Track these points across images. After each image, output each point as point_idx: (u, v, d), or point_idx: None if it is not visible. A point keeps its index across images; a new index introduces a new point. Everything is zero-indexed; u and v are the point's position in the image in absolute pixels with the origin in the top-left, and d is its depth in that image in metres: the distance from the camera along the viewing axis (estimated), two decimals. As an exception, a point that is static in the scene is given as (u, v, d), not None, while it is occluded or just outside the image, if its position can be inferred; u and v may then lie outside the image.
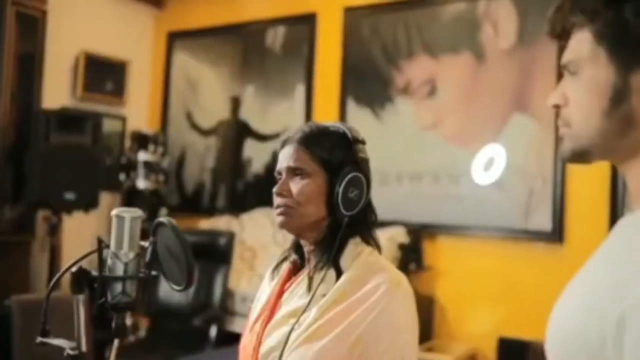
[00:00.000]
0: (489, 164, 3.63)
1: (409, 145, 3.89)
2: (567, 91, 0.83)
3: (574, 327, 0.73)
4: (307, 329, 1.24)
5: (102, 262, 0.96)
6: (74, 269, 0.97)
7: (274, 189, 1.35)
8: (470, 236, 3.71)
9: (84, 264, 1.01)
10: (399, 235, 3.66)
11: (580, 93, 0.81)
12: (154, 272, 1.01)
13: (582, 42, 0.81)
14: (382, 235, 3.40)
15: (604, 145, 0.79)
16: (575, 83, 0.82)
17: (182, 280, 1.02)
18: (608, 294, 0.69)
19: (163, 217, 1.02)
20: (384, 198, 3.82)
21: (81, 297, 0.95)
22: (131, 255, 0.98)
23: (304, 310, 1.26)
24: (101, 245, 0.96)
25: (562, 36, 0.85)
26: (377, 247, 1.38)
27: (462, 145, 3.73)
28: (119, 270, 0.97)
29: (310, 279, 1.32)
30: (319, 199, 1.33)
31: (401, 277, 1.32)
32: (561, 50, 0.86)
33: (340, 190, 1.30)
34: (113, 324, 0.97)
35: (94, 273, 0.96)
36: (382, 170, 3.88)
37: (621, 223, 0.80)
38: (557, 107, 0.85)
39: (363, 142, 1.39)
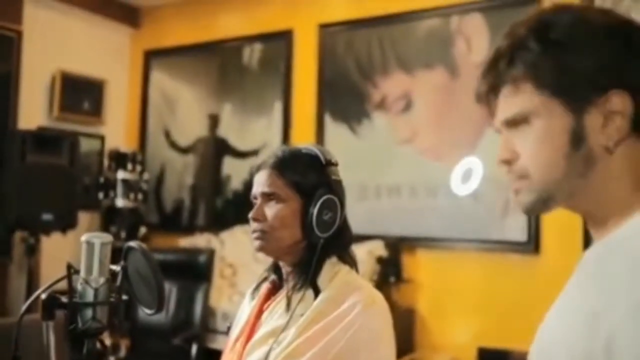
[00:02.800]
0: (466, 175, 3.67)
1: (387, 160, 3.93)
2: (515, 145, 0.84)
3: (560, 351, 0.76)
4: (286, 348, 1.26)
5: (71, 288, 0.97)
6: (44, 295, 0.97)
7: (250, 215, 1.38)
8: (448, 248, 3.74)
9: (60, 287, 1.01)
10: (378, 248, 3.68)
11: (533, 144, 0.81)
12: (124, 297, 1.01)
13: (523, 95, 0.81)
14: (361, 249, 3.42)
15: (569, 189, 0.81)
16: (524, 136, 0.82)
17: (153, 303, 1.02)
18: (590, 321, 0.72)
19: (133, 242, 1.03)
20: (362, 212, 3.85)
21: (51, 324, 0.95)
22: (101, 280, 0.99)
23: (283, 330, 1.28)
24: (70, 271, 0.97)
25: (490, 93, 0.85)
26: (354, 265, 1.41)
27: (438, 158, 3.78)
28: (90, 296, 0.98)
29: (289, 299, 1.34)
30: (294, 222, 1.35)
31: (377, 295, 1.34)
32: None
33: (314, 213, 1.32)
34: (84, 350, 0.97)
35: (64, 299, 0.97)
36: (360, 184, 3.91)
37: (589, 253, 0.83)
38: (507, 163, 0.85)
39: (335, 164, 1.41)
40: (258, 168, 1.42)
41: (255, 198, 1.40)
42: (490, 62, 0.85)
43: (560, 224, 3.39)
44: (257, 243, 1.37)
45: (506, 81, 0.82)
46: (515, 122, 0.83)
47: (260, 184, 1.39)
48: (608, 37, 0.78)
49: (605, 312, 0.70)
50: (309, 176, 1.37)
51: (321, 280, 1.33)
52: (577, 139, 0.78)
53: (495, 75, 0.84)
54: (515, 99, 0.82)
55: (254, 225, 1.38)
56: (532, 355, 0.84)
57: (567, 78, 0.78)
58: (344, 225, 1.41)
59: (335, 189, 1.37)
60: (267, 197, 1.37)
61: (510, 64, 0.82)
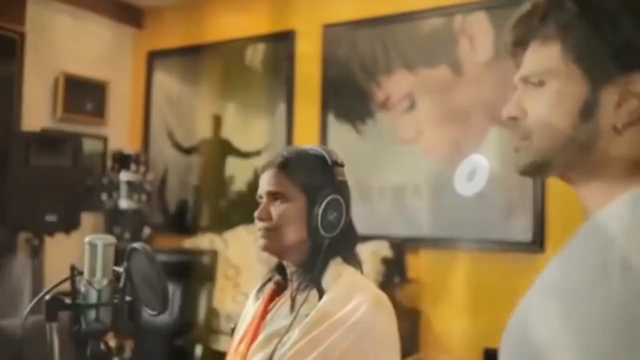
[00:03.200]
0: (471, 174, 3.66)
1: (391, 160, 3.92)
2: (526, 103, 0.82)
3: (527, 328, 0.75)
4: (290, 349, 1.25)
5: (75, 289, 0.96)
6: (47, 297, 0.97)
7: (255, 214, 1.38)
8: (452, 248, 3.73)
9: (64, 288, 1.01)
10: (382, 249, 3.67)
11: (544, 106, 0.80)
12: (128, 298, 1.01)
13: (549, 54, 0.80)
14: (365, 249, 3.41)
15: (567, 159, 0.79)
16: (538, 95, 0.81)
17: (157, 304, 1.02)
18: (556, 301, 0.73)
19: (136, 243, 1.03)
20: (366, 212, 3.84)
21: (55, 325, 0.95)
22: (105, 282, 0.99)
23: (287, 331, 1.28)
24: (74, 273, 0.96)
25: (517, 46, 0.84)
26: (359, 266, 1.40)
27: (442, 158, 3.77)
28: (93, 298, 0.98)
29: (293, 300, 1.34)
30: (299, 221, 1.35)
31: (382, 296, 1.34)
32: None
33: (320, 213, 1.32)
34: (88, 351, 0.97)
35: (68, 301, 0.97)
36: (364, 184, 3.91)
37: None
38: (513, 120, 0.84)
39: (342, 165, 1.41)
40: (264, 168, 1.42)
41: (261, 197, 1.40)
42: (523, 15, 0.83)
43: (565, 223, 3.38)
44: (262, 242, 1.38)
45: (536, 37, 0.81)
46: (533, 79, 0.81)
47: (267, 183, 1.39)
48: None
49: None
50: (315, 176, 1.37)
51: (326, 281, 1.32)
52: (588, 110, 0.76)
53: (526, 29, 0.82)
54: (540, 56, 0.80)
55: (259, 224, 1.38)
56: (508, 340, 0.81)
57: (595, 48, 0.76)
58: (349, 226, 1.41)
59: (341, 189, 1.38)
60: (273, 196, 1.37)
61: (544, 21, 0.80)
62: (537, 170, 0.83)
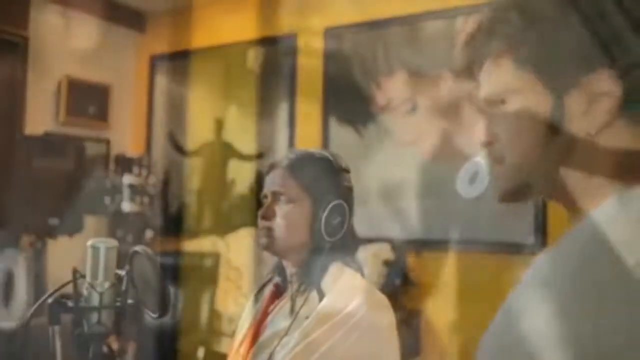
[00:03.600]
0: (473, 177, 3.65)
1: (392, 162, 3.92)
2: (493, 127, 0.78)
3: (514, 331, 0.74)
4: (290, 352, 1.26)
5: (77, 292, 0.97)
6: (50, 300, 0.98)
7: (259, 212, 1.39)
8: (454, 250, 3.72)
9: (67, 291, 1.02)
10: (384, 251, 3.67)
11: (510, 126, 0.76)
12: (130, 301, 1.02)
13: (504, 71, 0.76)
14: (367, 252, 3.42)
15: (547, 176, 0.75)
16: (503, 116, 0.77)
17: (159, 308, 1.03)
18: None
19: (138, 246, 1.04)
20: (367, 214, 3.84)
21: (57, 328, 0.96)
22: (107, 285, 1.00)
23: (286, 333, 1.28)
24: (76, 276, 0.97)
25: (471, 69, 0.81)
26: (359, 269, 1.41)
27: (444, 161, 3.76)
28: (95, 301, 0.99)
29: (293, 302, 1.34)
30: (302, 223, 1.36)
31: (381, 298, 1.35)
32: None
33: (323, 217, 1.33)
34: (90, 354, 0.98)
35: (70, 304, 0.97)
36: (365, 186, 3.91)
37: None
38: (489, 145, 0.80)
39: (347, 171, 1.42)
40: (270, 168, 1.43)
41: (266, 197, 1.41)
42: (470, 36, 0.79)
43: (568, 224, 3.38)
44: (263, 241, 1.38)
45: (486, 56, 0.77)
46: (494, 101, 0.77)
47: (272, 183, 1.40)
48: (599, 9, 0.70)
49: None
50: (321, 180, 1.38)
51: (325, 283, 1.33)
52: (557, 122, 0.72)
53: (476, 49, 0.78)
54: (497, 75, 0.76)
55: (262, 223, 1.39)
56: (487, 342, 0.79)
57: (550, 55, 0.72)
58: (351, 230, 1.42)
59: (346, 195, 1.39)
60: (278, 196, 1.38)
61: (492, 38, 0.76)
62: (518, 195, 0.80)
